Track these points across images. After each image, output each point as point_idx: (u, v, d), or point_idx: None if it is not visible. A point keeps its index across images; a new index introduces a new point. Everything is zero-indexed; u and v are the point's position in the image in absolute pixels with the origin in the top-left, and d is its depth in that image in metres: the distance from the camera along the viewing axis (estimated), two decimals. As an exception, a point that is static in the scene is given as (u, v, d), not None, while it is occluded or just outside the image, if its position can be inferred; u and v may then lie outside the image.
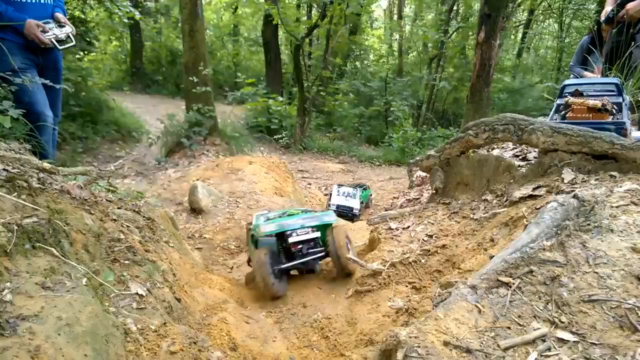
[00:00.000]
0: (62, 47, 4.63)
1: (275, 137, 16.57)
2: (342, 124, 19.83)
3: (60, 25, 4.58)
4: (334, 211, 8.71)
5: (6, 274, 1.98)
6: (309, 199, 10.07)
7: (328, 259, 4.37)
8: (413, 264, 3.67)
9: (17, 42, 4.31)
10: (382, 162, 15.99)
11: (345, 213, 8.94)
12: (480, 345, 1.99)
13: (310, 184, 11.97)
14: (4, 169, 2.73)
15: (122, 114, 13.97)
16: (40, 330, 1.85)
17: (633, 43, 5.29)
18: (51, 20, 4.54)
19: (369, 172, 14.63)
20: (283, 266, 4.15)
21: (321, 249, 4.30)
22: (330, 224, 4.40)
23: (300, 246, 4.25)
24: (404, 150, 16.07)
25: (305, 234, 4.24)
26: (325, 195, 10.75)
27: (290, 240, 4.19)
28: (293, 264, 4.20)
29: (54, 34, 4.48)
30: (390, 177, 13.22)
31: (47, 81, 4.18)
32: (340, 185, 9.93)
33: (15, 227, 2.16)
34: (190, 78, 10.92)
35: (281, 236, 4.29)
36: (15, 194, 2.46)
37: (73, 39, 4.69)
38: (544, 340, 1.99)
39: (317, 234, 4.30)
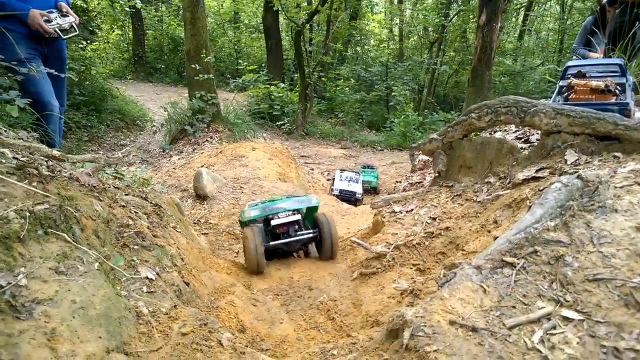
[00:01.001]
0: (66, 36, 4.64)
1: (277, 123, 16.58)
2: (343, 109, 19.77)
3: (64, 14, 4.58)
4: (337, 196, 8.79)
5: (20, 259, 2.02)
6: (312, 184, 10.09)
7: None
8: (417, 246, 3.69)
9: (21, 32, 4.31)
10: (384, 147, 15.99)
11: (348, 197, 8.98)
12: (486, 324, 2.02)
13: (312, 169, 11.99)
14: (13, 157, 2.77)
15: (126, 102, 14.00)
16: (55, 313, 1.89)
17: (637, 23, 5.27)
18: (54, 9, 4.54)
19: (371, 156, 14.64)
20: (270, 243, 4.42)
21: (309, 231, 4.56)
22: (316, 207, 4.80)
23: (285, 227, 4.52)
24: (406, 134, 16.06)
25: (286, 216, 4.52)
26: (328, 180, 10.79)
27: (273, 222, 4.49)
28: (277, 242, 4.45)
29: (57, 23, 4.48)
30: (392, 162, 13.23)
31: (52, 70, 4.19)
32: (342, 170, 9.97)
33: (28, 214, 2.20)
34: (193, 66, 10.90)
35: (267, 219, 4.60)
36: (26, 181, 2.49)
37: (77, 28, 4.70)
38: (549, 319, 2.02)
39: (298, 217, 4.56)
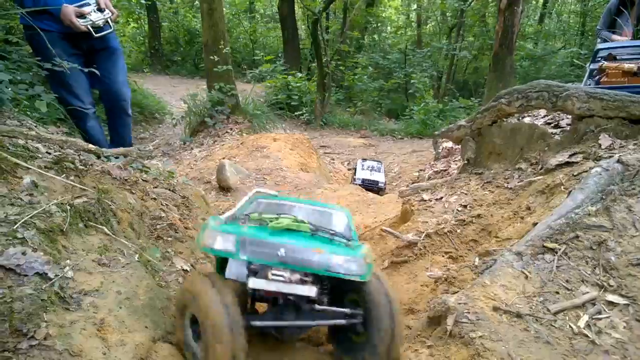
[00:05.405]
0: (98, 34, 4.45)
1: (295, 113, 16.53)
2: (362, 98, 19.66)
3: (100, 9, 4.43)
4: (360, 185, 8.72)
5: (64, 252, 2.05)
6: (333, 174, 10.08)
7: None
8: (448, 234, 3.67)
9: (58, 32, 4.24)
10: (403, 135, 15.86)
11: (371, 187, 8.92)
12: (530, 310, 2.02)
13: (333, 159, 11.97)
14: (47, 152, 2.80)
15: (144, 95, 14.02)
16: (102, 304, 1.92)
17: None
18: (91, 2, 4.39)
19: (391, 145, 14.55)
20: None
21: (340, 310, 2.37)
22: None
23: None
24: (426, 122, 15.91)
25: (286, 282, 2.17)
26: (349, 170, 10.75)
27: (254, 284, 2.17)
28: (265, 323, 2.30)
29: (90, 20, 4.33)
30: (412, 150, 13.11)
31: (95, 70, 4.14)
32: (364, 160, 9.92)
33: (68, 207, 2.23)
34: (211, 57, 10.89)
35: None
36: (64, 175, 2.52)
37: (112, 25, 4.57)
38: (593, 304, 2.02)
39: (313, 291, 2.19)
